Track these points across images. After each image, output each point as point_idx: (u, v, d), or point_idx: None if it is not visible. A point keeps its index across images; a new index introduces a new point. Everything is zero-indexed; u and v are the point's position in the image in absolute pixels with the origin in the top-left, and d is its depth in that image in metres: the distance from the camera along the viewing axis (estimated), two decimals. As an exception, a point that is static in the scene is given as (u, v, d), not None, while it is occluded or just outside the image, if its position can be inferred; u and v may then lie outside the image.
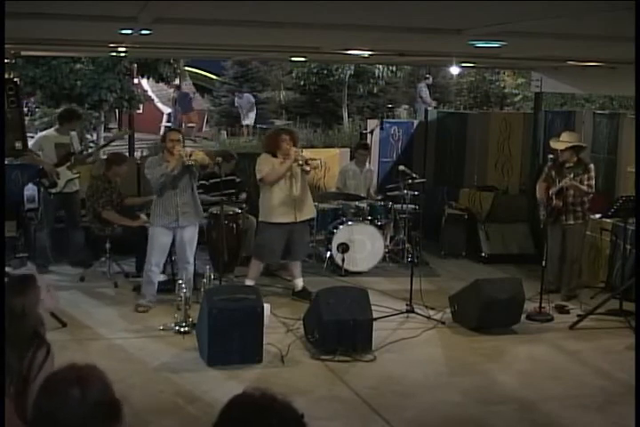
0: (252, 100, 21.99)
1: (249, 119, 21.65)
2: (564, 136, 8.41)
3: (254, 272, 8.17)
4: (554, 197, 8.20)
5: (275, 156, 7.94)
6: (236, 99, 22.23)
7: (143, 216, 8.65)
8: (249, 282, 8.00)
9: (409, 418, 5.54)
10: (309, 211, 8.19)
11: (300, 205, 7.99)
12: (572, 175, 8.11)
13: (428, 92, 20.35)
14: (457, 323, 7.53)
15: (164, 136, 7.99)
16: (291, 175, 7.91)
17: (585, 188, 8.20)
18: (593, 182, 8.26)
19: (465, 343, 7.13)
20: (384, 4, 4.08)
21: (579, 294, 8.46)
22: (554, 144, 8.35)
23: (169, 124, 22.38)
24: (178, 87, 22.29)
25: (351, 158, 11.12)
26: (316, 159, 7.99)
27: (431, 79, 20.85)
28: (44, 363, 3.36)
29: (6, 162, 8.89)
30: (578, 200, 8.26)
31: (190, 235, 7.78)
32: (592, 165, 8.34)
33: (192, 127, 21.22)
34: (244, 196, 9.51)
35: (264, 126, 21.08)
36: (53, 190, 8.98)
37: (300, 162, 7.75)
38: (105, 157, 9.49)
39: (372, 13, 4.55)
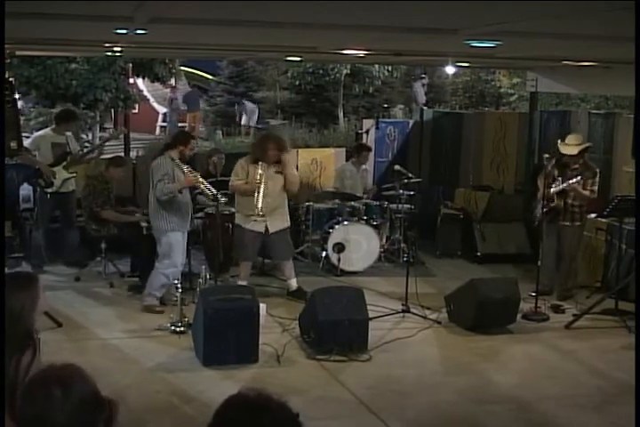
0: (252, 105, 22.10)
1: (252, 121, 21.75)
2: (572, 139, 8.31)
3: (244, 272, 8.19)
4: (555, 196, 8.19)
5: (256, 162, 7.90)
6: (236, 107, 22.38)
7: (138, 215, 8.66)
8: (241, 282, 8.01)
9: (405, 417, 5.53)
10: (282, 222, 8.14)
11: (272, 218, 7.96)
12: (579, 178, 8.08)
13: (423, 92, 20.36)
14: (453, 323, 7.53)
15: (186, 139, 7.75)
16: (264, 188, 7.79)
17: (587, 193, 8.18)
18: (596, 188, 8.25)
19: (461, 343, 7.13)
20: (382, 4, 4.08)
21: (575, 294, 8.47)
22: (564, 149, 8.21)
23: (164, 124, 22.39)
24: (191, 85, 22.37)
25: (347, 159, 11.11)
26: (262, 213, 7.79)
27: (427, 79, 20.85)
28: (30, 365, 3.33)
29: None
30: (577, 202, 8.26)
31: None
32: (598, 170, 8.33)
33: (193, 127, 21.24)
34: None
35: (259, 126, 21.12)
36: (50, 190, 8.97)
37: (256, 211, 7.71)
38: (102, 156, 9.47)
39: (370, 13, 4.55)
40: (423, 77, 20.62)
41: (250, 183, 7.84)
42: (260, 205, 7.71)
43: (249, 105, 22.13)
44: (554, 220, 8.28)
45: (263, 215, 7.77)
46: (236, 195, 8.15)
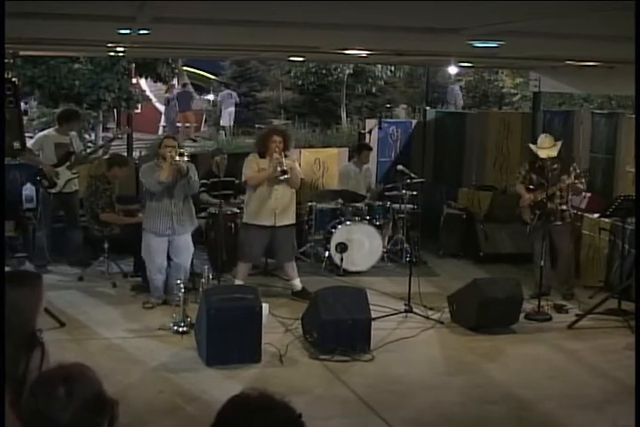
0: (233, 96, 21.90)
1: (225, 118, 21.51)
2: (545, 142, 8.25)
3: (242, 273, 8.19)
4: (545, 200, 8.16)
5: (263, 156, 7.93)
6: (218, 96, 22.32)
7: (141, 215, 8.67)
8: (238, 282, 8.00)
9: (407, 417, 5.54)
10: (290, 217, 8.17)
11: (281, 211, 7.98)
12: (572, 176, 8.07)
13: (460, 95, 20.48)
14: (455, 323, 7.53)
15: (160, 142, 7.86)
16: (274, 180, 7.88)
17: (581, 186, 8.22)
18: (583, 179, 8.27)
19: (463, 343, 7.14)
20: (383, 4, 4.08)
21: (574, 292, 8.45)
22: (543, 153, 8.13)
23: (165, 124, 22.38)
24: (183, 85, 22.29)
25: (349, 159, 11.11)
26: (286, 168, 7.80)
27: (464, 81, 20.92)
28: (41, 364, 3.33)
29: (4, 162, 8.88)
30: (565, 200, 8.28)
31: (185, 242, 7.82)
32: (575, 163, 8.35)
33: (189, 127, 21.19)
34: (242, 196, 9.50)
35: (262, 126, 21.09)
36: (53, 190, 8.98)
37: (279, 169, 7.74)
38: (106, 156, 9.47)
39: (372, 13, 4.55)
40: (460, 80, 20.69)
41: (270, 169, 7.81)
42: (283, 167, 7.72)
43: (230, 94, 21.88)
44: (545, 222, 8.23)
45: (275, 208, 7.86)
46: (247, 192, 8.13)
